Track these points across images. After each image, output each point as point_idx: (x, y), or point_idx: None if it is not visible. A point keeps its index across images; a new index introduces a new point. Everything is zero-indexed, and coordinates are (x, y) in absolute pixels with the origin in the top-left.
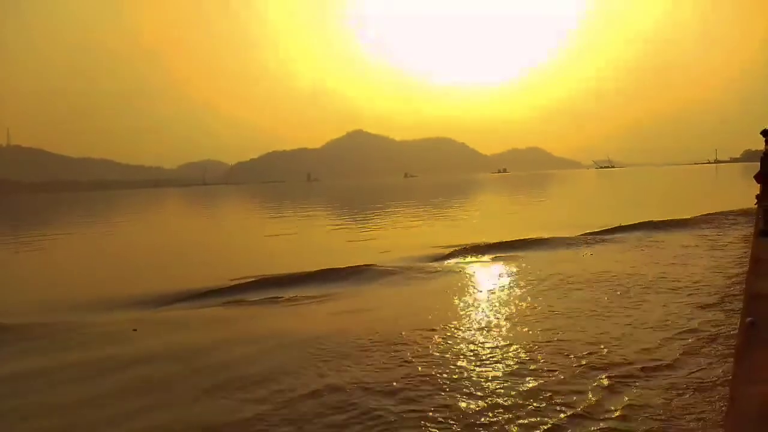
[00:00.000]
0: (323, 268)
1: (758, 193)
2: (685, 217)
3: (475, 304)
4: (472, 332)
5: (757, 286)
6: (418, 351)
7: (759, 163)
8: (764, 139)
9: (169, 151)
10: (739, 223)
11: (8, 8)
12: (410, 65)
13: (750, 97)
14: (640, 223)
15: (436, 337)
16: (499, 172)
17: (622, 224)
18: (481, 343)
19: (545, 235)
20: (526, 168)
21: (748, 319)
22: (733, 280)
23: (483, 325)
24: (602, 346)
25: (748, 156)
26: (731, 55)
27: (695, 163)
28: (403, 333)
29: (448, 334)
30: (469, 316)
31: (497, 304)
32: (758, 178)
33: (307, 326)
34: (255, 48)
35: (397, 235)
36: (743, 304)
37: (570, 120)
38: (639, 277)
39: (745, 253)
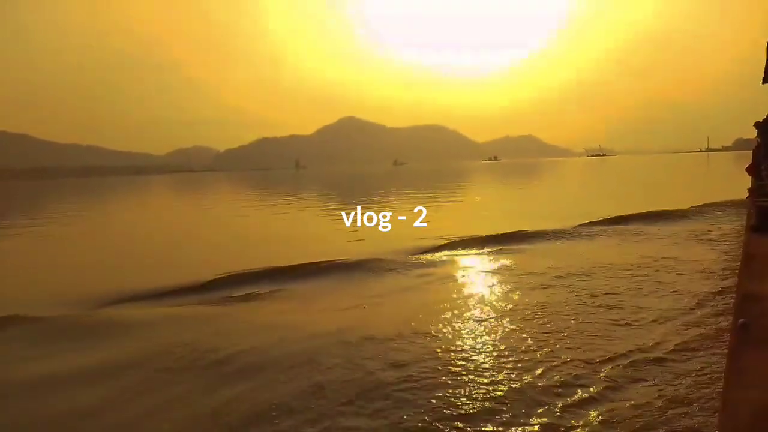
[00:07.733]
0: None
1: (750, 186)
2: (676, 209)
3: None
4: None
5: (750, 286)
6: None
7: (750, 153)
8: (756, 131)
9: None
10: (729, 215)
11: None
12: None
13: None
14: (631, 215)
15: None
16: (491, 159)
17: (614, 216)
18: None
19: (536, 227)
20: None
21: (741, 320)
22: (724, 277)
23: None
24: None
25: (739, 144)
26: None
27: (687, 152)
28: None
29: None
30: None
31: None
32: (750, 170)
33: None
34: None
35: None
36: (735, 304)
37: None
38: (630, 271)
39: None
